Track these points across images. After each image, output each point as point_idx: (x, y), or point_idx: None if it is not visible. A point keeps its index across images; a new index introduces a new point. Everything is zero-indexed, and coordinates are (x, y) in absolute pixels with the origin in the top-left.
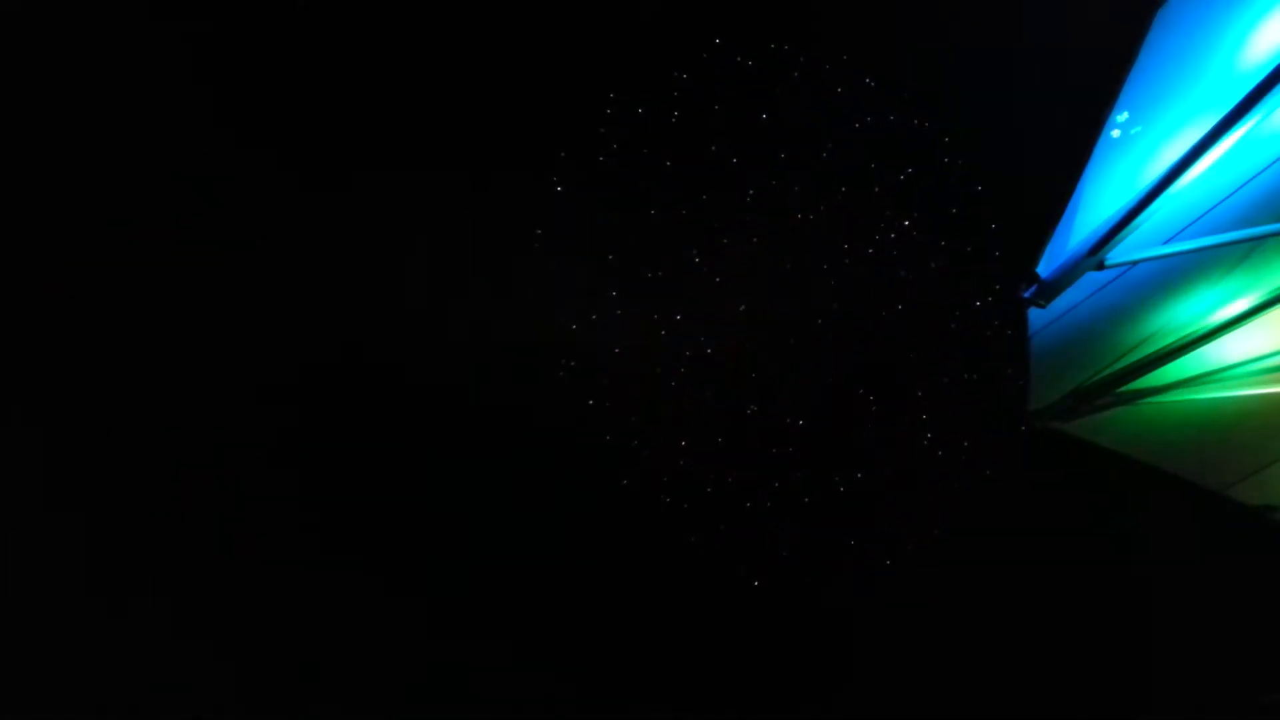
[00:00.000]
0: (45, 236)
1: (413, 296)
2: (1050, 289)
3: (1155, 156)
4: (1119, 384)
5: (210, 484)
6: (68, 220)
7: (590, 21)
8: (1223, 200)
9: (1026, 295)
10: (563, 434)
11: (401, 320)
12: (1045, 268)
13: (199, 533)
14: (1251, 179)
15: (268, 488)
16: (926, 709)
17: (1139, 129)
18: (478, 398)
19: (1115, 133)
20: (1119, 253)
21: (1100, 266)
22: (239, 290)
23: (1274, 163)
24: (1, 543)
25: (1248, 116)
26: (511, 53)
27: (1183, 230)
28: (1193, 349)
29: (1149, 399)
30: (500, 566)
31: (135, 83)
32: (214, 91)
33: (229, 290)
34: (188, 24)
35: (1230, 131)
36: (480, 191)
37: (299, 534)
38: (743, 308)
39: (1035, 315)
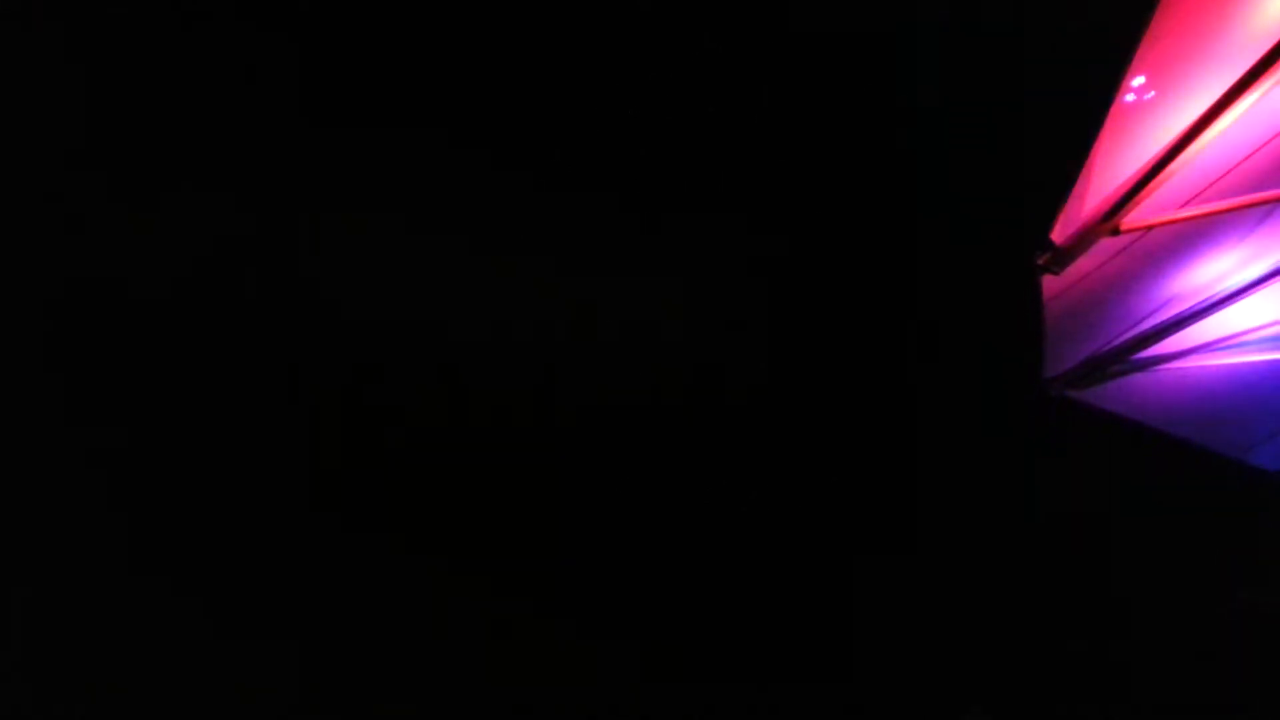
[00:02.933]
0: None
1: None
2: (1064, 255)
3: (1171, 120)
4: (1134, 350)
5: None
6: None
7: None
8: (1241, 163)
9: (1040, 262)
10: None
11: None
12: (1059, 234)
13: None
14: (1270, 141)
15: None
16: (936, 680)
17: (1153, 94)
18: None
19: (1130, 97)
20: (1134, 218)
21: (1115, 232)
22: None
23: None
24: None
25: (1266, 78)
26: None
27: (1199, 194)
28: (1209, 314)
29: (1165, 365)
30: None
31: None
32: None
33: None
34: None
35: (1248, 92)
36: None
37: None
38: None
39: (1049, 283)
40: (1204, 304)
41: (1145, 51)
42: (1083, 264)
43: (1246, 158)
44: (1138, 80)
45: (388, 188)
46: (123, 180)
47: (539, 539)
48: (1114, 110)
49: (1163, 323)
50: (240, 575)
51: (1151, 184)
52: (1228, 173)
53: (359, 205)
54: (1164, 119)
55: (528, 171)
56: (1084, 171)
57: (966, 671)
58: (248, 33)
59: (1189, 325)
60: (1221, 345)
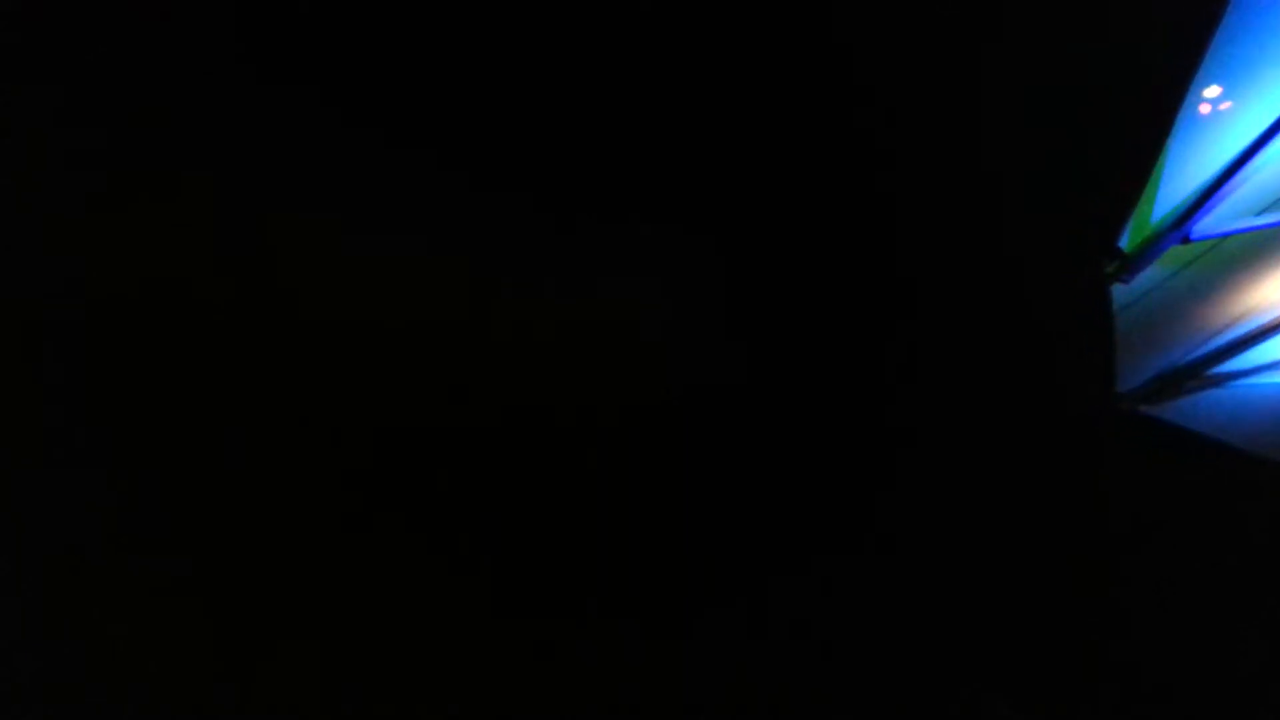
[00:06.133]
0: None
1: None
2: (1133, 264)
3: (1246, 125)
4: (1210, 365)
5: None
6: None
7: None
8: None
9: (1109, 271)
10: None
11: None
12: (1129, 243)
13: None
14: None
15: None
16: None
17: (1229, 104)
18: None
19: (1204, 108)
20: (1206, 226)
21: (1186, 241)
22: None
23: None
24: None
25: None
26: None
27: (1274, 203)
28: None
29: (1242, 381)
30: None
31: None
32: None
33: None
34: None
35: None
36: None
37: None
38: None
39: (1119, 293)
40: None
41: (1218, 53)
42: (1154, 274)
43: None
44: (1211, 90)
45: (368, 196)
46: (103, 183)
47: (529, 543)
48: (1186, 116)
49: (1239, 336)
50: (248, 586)
51: (1224, 190)
52: None
53: (338, 209)
54: (1239, 123)
55: (506, 179)
56: (1154, 177)
57: (989, 664)
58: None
59: (1267, 339)
60: None
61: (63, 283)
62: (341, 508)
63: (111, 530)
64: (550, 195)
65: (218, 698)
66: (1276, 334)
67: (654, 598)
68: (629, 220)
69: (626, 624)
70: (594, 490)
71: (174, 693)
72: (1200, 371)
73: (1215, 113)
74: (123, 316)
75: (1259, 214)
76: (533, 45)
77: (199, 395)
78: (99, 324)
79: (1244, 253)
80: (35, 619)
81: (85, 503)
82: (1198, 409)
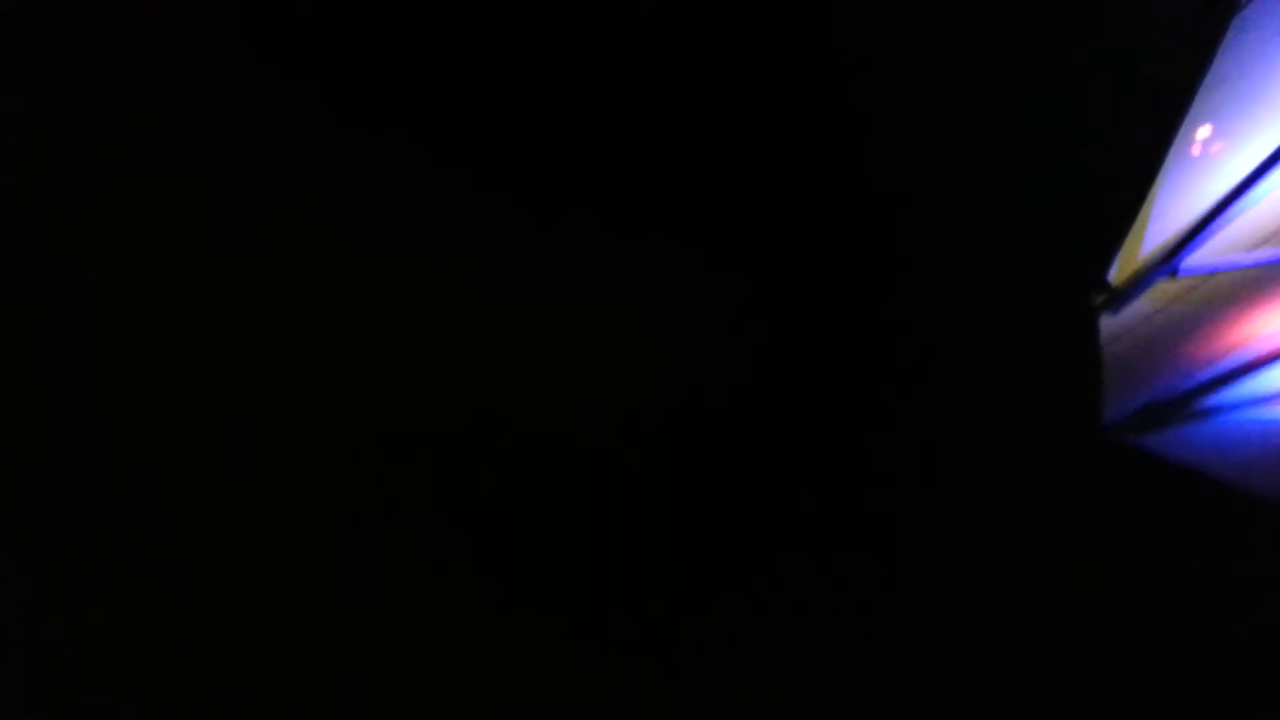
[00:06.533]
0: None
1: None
2: (1121, 297)
3: (1237, 161)
4: (1196, 398)
5: None
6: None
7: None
8: None
9: (1097, 304)
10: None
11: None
12: (1116, 276)
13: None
14: None
15: None
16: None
17: (1220, 145)
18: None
19: (1195, 149)
20: (1194, 261)
21: (1173, 276)
22: None
23: None
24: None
25: None
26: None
27: (1267, 239)
28: (1274, 364)
29: (1229, 415)
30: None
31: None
32: None
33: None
34: None
35: None
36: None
37: None
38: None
39: (1106, 325)
40: (1267, 354)
41: (1209, 94)
42: (1141, 307)
43: None
44: (1203, 130)
45: (367, 197)
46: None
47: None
48: (1176, 153)
49: (1225, 370)
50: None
51: (1213, 226)
52: None
53: (335, 208)
54: (1230, 160)
55: (504, 181)
56: (1143, 211)
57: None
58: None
59: (1253, 374)
60: None
61: (63, 282)
62: (340, 507)
63: (112, 530)
64: (547, 198)
65: (218, 698)
66: (1262, 369)
67: (652, 599)
68: (629, 223)
69: (624, 625)
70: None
71: (174, 693)
72: (1187, 404)
73: (1205, 153)
74: (122, 315)
75: (1246, 251)
76: (530, 46)
77: (198, 394)
78: (98, 322)
79: (1231, 288)
80: (35, 619)
81: (85, 503)
82: (1183, 441)
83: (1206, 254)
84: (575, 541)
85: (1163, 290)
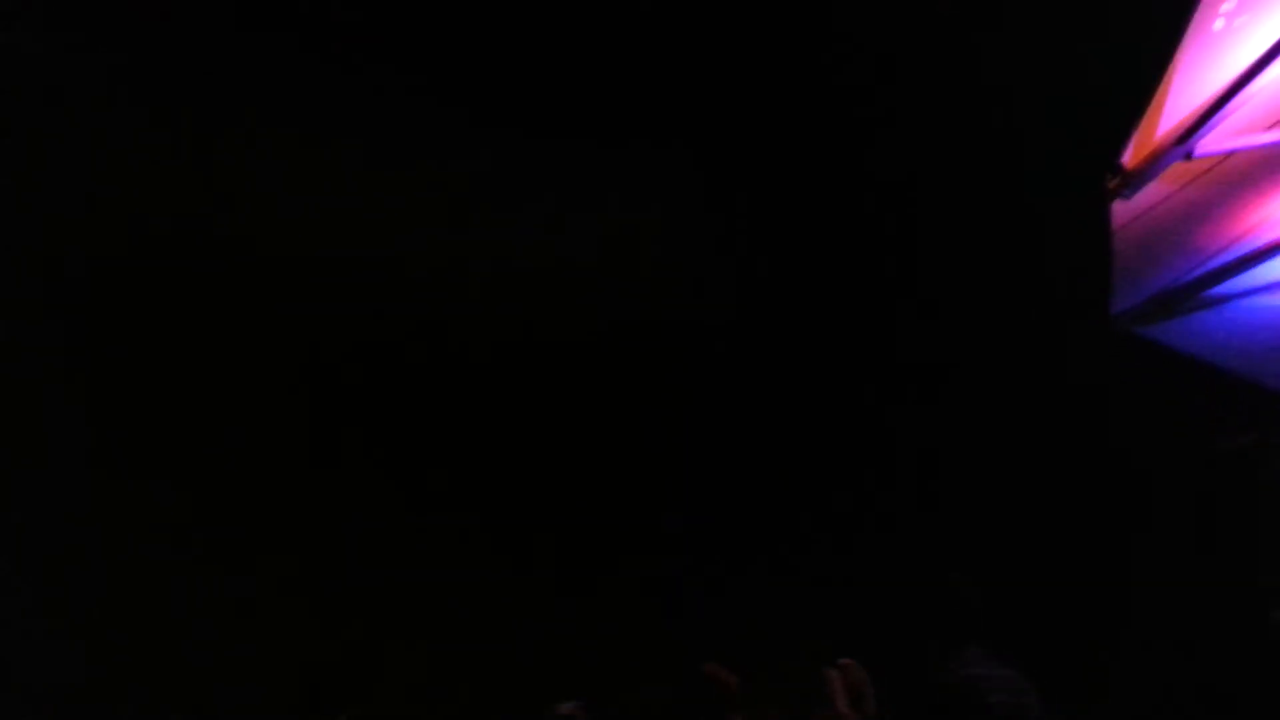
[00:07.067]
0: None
1: None
2: (1135, 179)
3: (1255, 40)
4: (1207, 286)
5: None
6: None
7: None
8: None
9: (1110, 185)
10: None
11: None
12: (1130, 158)
13: None
14: None
15: None
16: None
17: (1242, 19)
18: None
19: (1217, 23)
20: (1209, 143)
21: (1188, 157)
22: None
23: None
24: None
25: None
26: None
27: None
28: None
29: (1238, 303)
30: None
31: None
32: None
33: None
34: None
35: None
36: None
37: None
38: None
39: (1119, 210)
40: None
41: None
42: (1153, 192)
43: None
44: (1227, 4)
45: (347, 118)
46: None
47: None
48: (1197, 29)
49: (1237, 257)
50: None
51: (1229, 105)
52: None
53: (320, 130)
54: (1249, 39)
55: (494, 105)
56: (1160, 91)
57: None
58: None
59: (1262, 263)
60: None
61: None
62: (328, 434)
63: (112, 530)
64: (541, 119)
65: (218, 697)
66: (1275, 255)
67: (638, 538)
68: (624, 145)
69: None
70: (583, 408)
71: (174, 692)
72: (1197, 292)
73: (1227, 29)
74: (123, 315)
75: (1263, 132)
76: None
77: (197, 388)
78: (99, 323)
79: (1246, 171)
80: (36, 619)
81: (85, 503)
82: (1193, 330)
83: (1222, 135)
84: (563, 461)
85: (1177, 173)
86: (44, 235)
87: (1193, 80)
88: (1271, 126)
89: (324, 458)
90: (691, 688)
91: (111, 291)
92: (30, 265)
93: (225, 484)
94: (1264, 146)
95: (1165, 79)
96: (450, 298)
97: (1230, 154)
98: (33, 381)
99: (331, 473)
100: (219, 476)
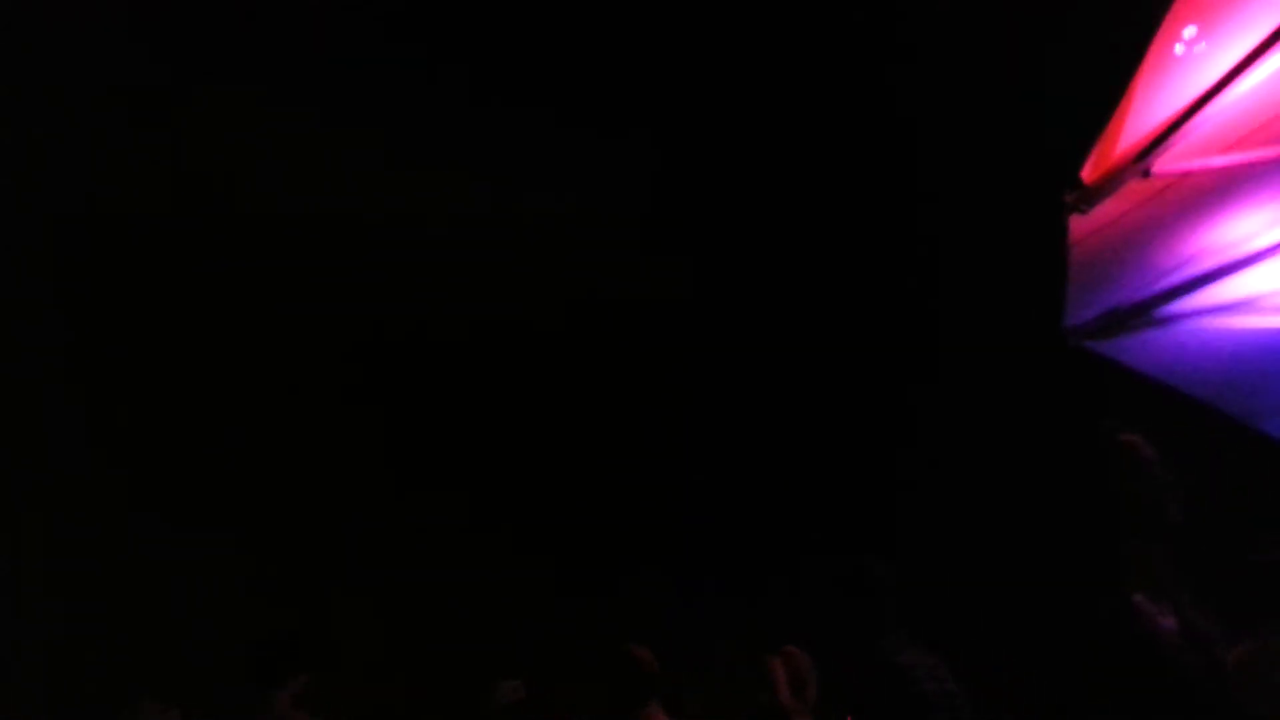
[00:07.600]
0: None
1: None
2: (1092, 195)
3: (1216, 61)
4: (1160, 304)
5: None
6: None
7: None
8: None
9: (1067, 199)
10: None
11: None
12: (1089, 174)
13: None
14: None
15: None
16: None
17: (1203, 44)
18: None
19: (1178, 47)
20: (1168, 162)
21: (1146, 174)
22: None
23: None
24: None
25: None
26: None
27: (1241, 142)
28: (1235, 273)
29: (1190, 322)
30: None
31: None
32: None
33: None
34: None
35: None
36: None
37: None
38: None
39: (1076, 224)
40: (1231, 262)
41: None
42: (1110, 209)
43: None
44: (1188, 30)
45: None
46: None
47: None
48: (1158, 49)
49: (1188, 278)
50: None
51: (1188, 126)
52: (1273, 119)
53: (314, 104)
54: (1210, 60)
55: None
56: (1120, 109)
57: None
58: None
59: (1213, 283)
60: (1244, 307)
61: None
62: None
63: (112, 530)
64: (515, 99)
65: (218, 697)
66: (1227, 275)
67: (601, 500)
68: (595, 116)
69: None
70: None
71: (174, 692)
72: (1149, 310)
73: (1187, 54)
74: (121, 312)
75: (1220, 154)
76: None
77: (196, 380)
78: (98, 321)
79: (1203, 191)
80: (36, 619)
81: (85, 502)
82: (1144, 348)
83: (1180, 154)
84: (530, 436)
85: (1135, 190)
86: (44, 235)
87: (1153, 100)
88: (1229, 149)
89: (320, 456)
90: (619, 670)
91: (111, 292)
92: (30, 265)
93: (225, 482)
94: (1220, 167)
95: (1126, 98)
96: (449, 297)
97: (1187, 174)
98: (32, 381)
99: (321, 471)
100: (219, 476)
